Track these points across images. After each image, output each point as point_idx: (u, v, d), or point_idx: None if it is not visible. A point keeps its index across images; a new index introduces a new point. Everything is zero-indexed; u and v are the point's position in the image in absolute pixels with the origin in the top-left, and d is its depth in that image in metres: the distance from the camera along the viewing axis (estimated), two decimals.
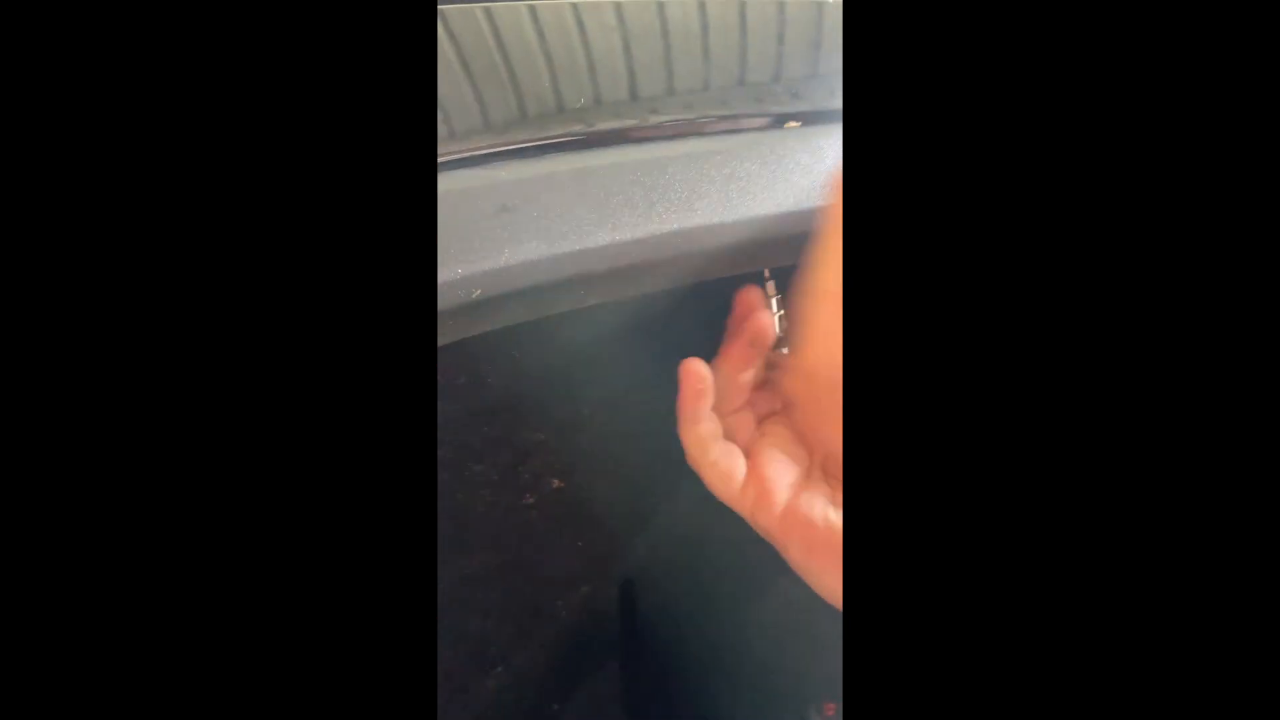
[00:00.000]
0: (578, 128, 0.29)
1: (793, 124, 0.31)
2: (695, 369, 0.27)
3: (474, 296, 0.23)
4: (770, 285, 0.31)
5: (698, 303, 0.31)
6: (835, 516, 0.25)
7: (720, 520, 0.32)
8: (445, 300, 0.23)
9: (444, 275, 0.23)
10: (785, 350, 0.30)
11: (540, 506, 0.32)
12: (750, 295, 0.29)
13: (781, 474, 0.26)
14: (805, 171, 0.27)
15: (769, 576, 0.39)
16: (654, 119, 0.29)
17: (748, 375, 0.28)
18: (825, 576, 0.24)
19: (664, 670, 0.41)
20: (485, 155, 0.27)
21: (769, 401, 0.29)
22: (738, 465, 0.26)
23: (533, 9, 0.35)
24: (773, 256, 0.28)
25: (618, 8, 0.36)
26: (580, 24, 0.35)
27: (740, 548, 0.33)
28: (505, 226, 0.24)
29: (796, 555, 0.25)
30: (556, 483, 0.32)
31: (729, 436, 0.27)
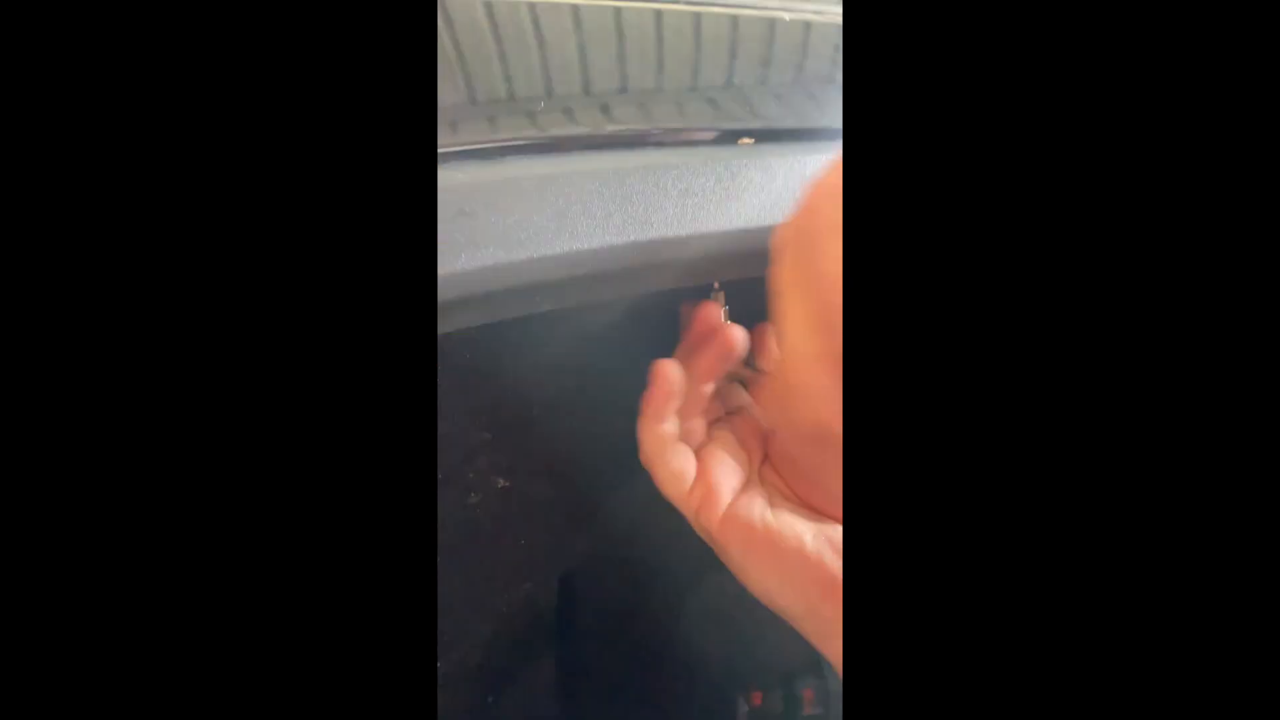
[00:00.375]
0: (532, 131, 0.29)
1: (746, 141, 0.32)
2: (668, 371, 0.27)
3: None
4: (720, 295, 0.32)
5: (643, 311, 0.32)
6: (771, 518, 0.26)
7: (657, 518, 0.33)
8: None
9: None
10: (750, 367, 0.31)
11: (484, 505, 0.32)
12: (710, 310, 0.30)
13: (727, 478, 0.27)
14: (758, 190, 0.28)
15: (702, 572, 0.40)
16: (610, 127, 0.30)
17: (709, 386, 0.29)
18: (760, 575, 0.26)
19: (599, 662, 0.42)
20: (441, 155, 0.27)
21: (716, 409, 0.31)
22: (689, 467, 0.28)
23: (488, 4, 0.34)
24: (722, 271, 0.29)
25: (575, 10, 0.36)
26: (536, 23, 0.35)
27: (675, 543, 0.34)
28: (463, 230, 0.24)
29: (735, 555, 0.26)
30: (502, 482, 0.33)
31: (683, 438, 0.28)
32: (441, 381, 0.30)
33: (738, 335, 0.28)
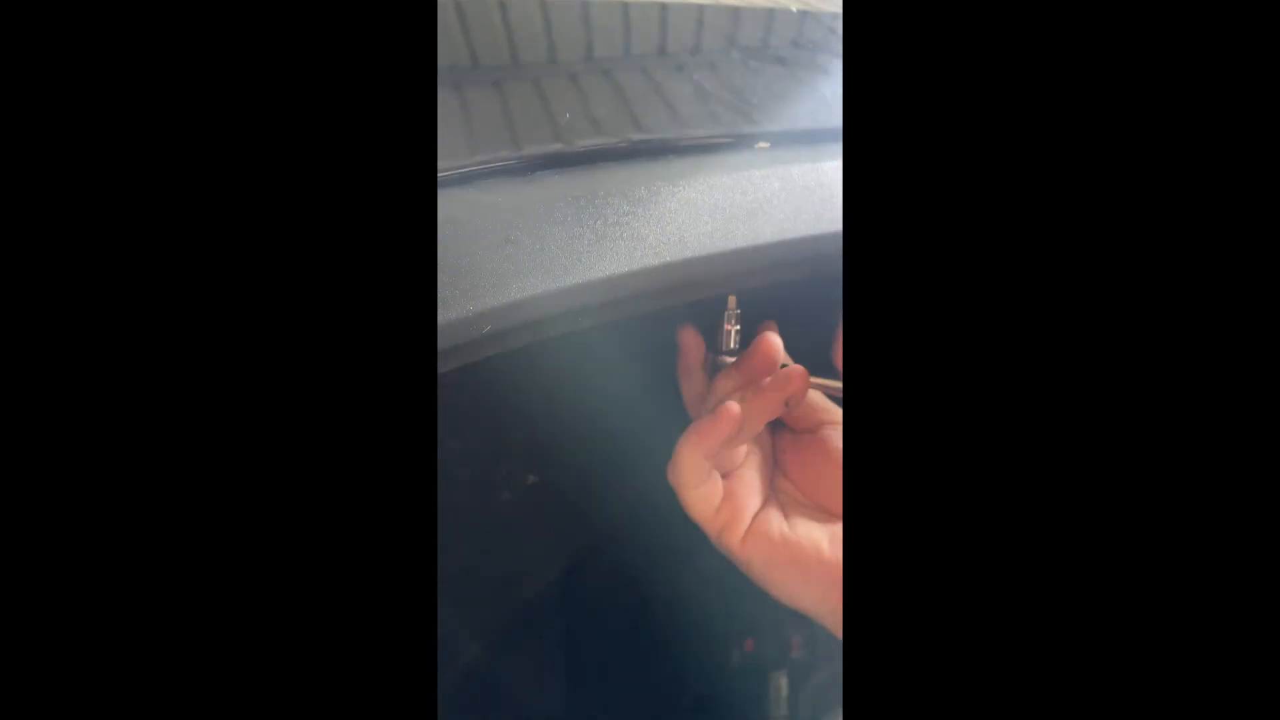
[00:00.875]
0: (558, 146, 0.29)
1: (763, 145, 0.32)
2: (732, 412, 0.27)
3: (484, 332, 0.24)
4: (731, 300, 0.33)
5: (662, 323, 0.32)
6: (788, 530, 0.28)
7: (655, 506, 0.35)
8: (453, 338, 0.24)
9: (454, 313, 0.23)
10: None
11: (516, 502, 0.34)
12: (771, 346, 0.29)
13: (750, 500, 0.29)
14: (781, 203, 0.29)
15: (693, 549, 0.42)
16: (636, 136, 0.30)
17: (762, 424, 0.29)
18: (785, 584, 0.28)
19: (604, 634, 0.45)
20: (475, 173, 0.27)
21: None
22: (717, 491, 0.28)
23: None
24: (746, 282, 0.30)
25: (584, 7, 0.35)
26: (548, 23, 0.34)
27: (670, 526, 0.35)
28: (510, 259, 0.25)
29: (759, 569, 0.28)
30: (531, 478, 0.34)
31: (717, 462, 0.29)
32: (478, 403, 0.30)
33: (802, 382, 0.28)
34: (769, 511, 0.29)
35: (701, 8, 0.38)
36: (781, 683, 0.52)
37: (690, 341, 0.31)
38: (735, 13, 0.39)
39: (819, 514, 0.29)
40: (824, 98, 0.35)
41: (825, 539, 0.27)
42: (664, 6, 0.37)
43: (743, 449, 0.30)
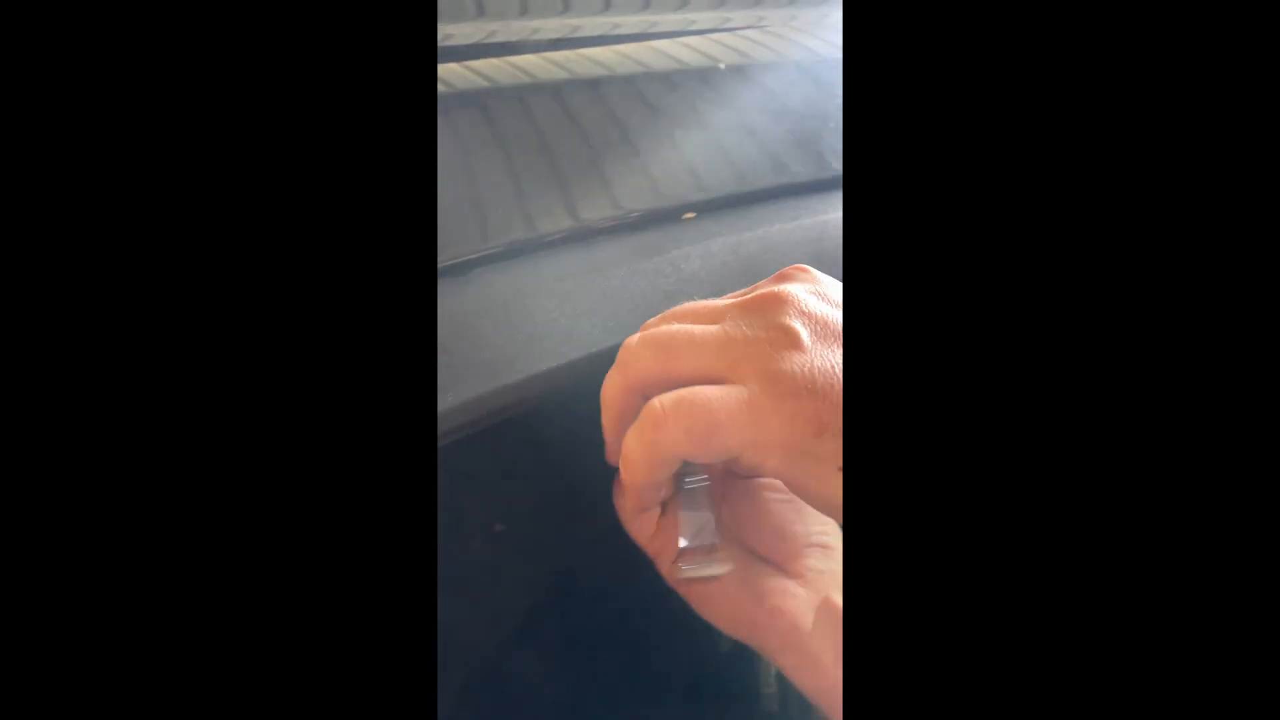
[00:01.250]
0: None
1: (688, 215, 0.34)
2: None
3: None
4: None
5: None
6: (715, 574, 0.29)
7: None
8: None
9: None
10: None
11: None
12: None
13: (677, 536, 0.29)
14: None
15: None
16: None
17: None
18: (718, 622, 0.30)
19: (594, 624, 0.47)
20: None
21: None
22: (653, 521, 0.30)
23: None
24: None
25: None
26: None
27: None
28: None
29: (693, 604, 0.30)
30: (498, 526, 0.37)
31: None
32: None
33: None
34: (707, 553, 0.29)
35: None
36: (771, 666, 0.54)
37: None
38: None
39: (763, 566, 0.30)
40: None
41: (756, 595, 0.28)
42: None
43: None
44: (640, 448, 0.25)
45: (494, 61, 0.38)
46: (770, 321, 0.24)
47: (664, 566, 0.30)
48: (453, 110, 0.35)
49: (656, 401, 0.24)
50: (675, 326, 0.26)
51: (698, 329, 0.25)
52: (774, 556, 0.30)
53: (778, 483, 0.31)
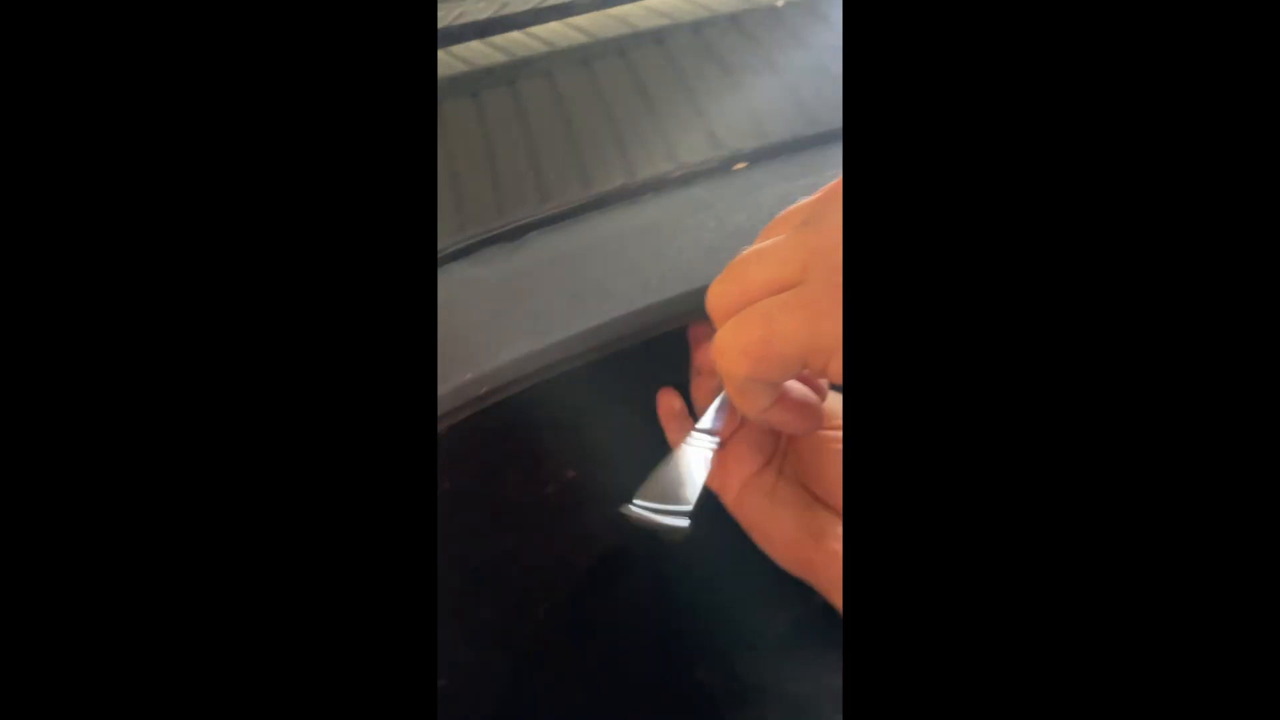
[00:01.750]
0: (554, 205, 0.33)
1: (740, 165, 0.34)
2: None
3: (482, 393, 0.29)
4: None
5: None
6: (769, 506, 0.31)
7: None
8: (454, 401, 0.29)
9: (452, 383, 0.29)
10: None
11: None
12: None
13: (744, 467, 0.32)
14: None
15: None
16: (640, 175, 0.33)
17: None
18: (778, 558, 0.32)
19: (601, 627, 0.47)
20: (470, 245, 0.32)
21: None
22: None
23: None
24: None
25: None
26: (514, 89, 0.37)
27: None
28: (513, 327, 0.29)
29: (746, 528, 0.32)
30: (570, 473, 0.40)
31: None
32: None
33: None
34: (762, 481, 0.32)
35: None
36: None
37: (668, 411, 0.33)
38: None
39: (810, 499, 0.32)
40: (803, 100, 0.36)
41: (797, 522, 0.30)
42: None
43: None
44: (699, 392, 0.28)
45: (554, 25, 0.39)
46: (832, 217, 0.22)
47: (727, 499, 0.32)
48: (520, 78, 0.36)
49: (718, 334, 0.25)
50: (748, 249, 0.25)
51: (766, 243, 0.24)
52: (833, 502, 0.31)
53: (839, 433, 0.31)
